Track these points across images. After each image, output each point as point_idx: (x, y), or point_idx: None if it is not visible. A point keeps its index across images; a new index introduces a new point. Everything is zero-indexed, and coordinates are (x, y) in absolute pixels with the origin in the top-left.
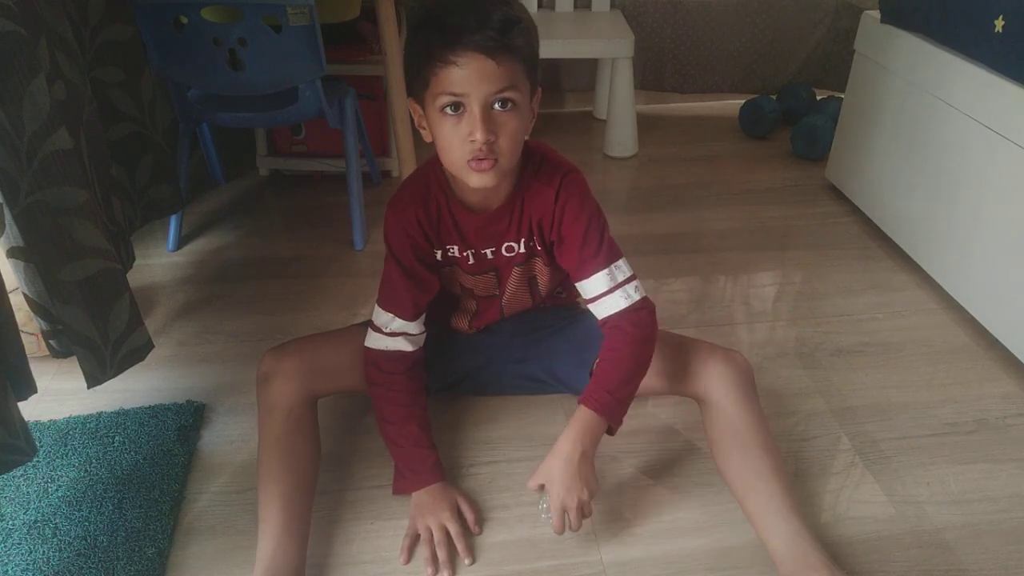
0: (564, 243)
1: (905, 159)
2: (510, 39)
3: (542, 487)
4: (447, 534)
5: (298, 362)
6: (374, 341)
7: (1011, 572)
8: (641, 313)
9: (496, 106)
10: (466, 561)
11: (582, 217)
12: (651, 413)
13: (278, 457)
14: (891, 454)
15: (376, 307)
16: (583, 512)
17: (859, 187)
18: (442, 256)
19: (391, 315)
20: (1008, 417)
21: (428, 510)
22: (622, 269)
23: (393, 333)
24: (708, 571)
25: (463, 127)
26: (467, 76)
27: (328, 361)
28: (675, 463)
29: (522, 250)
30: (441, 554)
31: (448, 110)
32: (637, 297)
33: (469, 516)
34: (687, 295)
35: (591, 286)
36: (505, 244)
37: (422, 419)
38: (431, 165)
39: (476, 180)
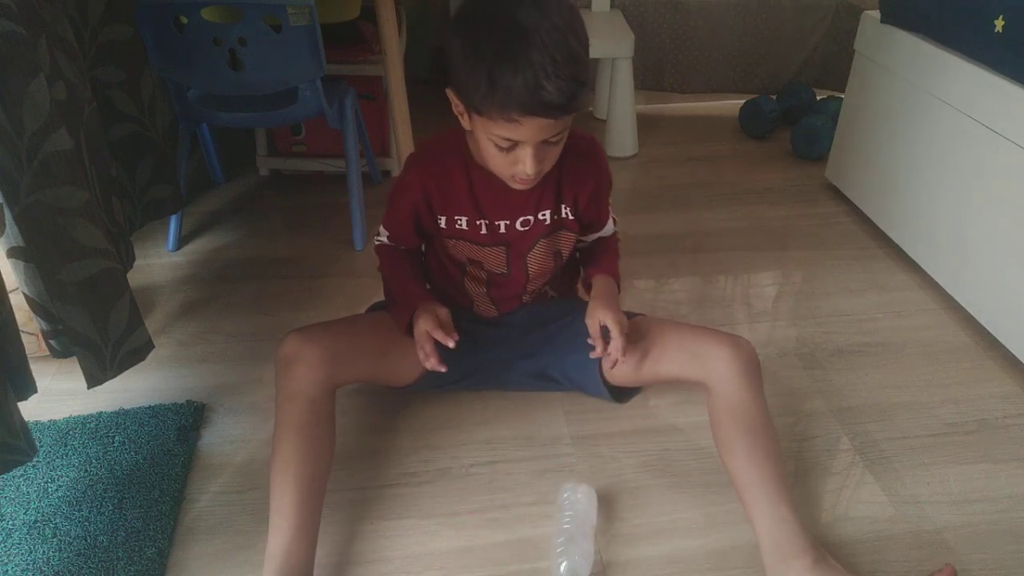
0: (598, 205)
1: (905, 159)
2: (573, 105)
3: (603, 328)
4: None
5: (323, 350)
6: (382, 237)
7: (1011, 572)
8: (616, 232)
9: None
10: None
11: (608, 183)
12: (651, 412)
13: (297, 446)
14: (891, 454)
15: (381, 223)
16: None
17: (859, 187)
18: (447, 224)
19: (388, 233)
20: (1008, 417)
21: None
22: (612, 211)
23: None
24: (708, 571)
25: (513, 155)
26: (526, 131)
27: (352, 349)
28: (674, 463)
29: (547, 222)
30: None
31: (500, 144)
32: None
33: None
34: (687, 295)
35: (603, 231)
36: (521, 218)
37: (422, 278)
38: (458, 135)
39: (519, 187)
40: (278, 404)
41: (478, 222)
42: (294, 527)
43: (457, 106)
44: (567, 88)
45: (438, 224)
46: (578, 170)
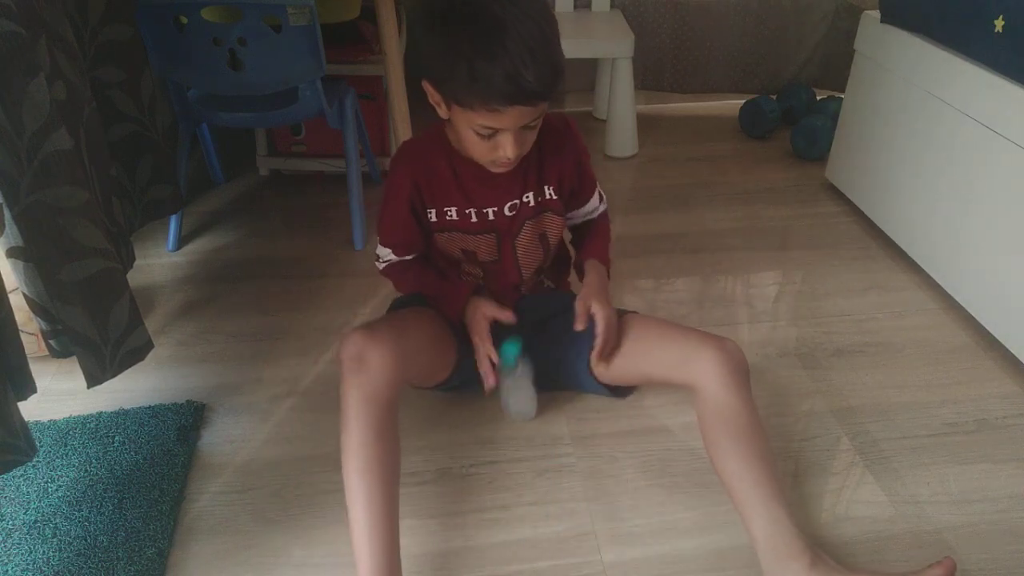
0: (581, 175)
1: (905, 159)
2: (551, 91)
3: (590, 314)
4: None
5: (392, 350)
6: (385, 259)
7: (1011, 572)
8: (607, 211)
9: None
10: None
11: (589, 163)
12: (651, 412)
13: (385, 450)
14: (891, 454)
15: (379, 243)
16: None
17: (859, 187)
18: (438, 217)
19: (388, 250)
20: (1008, 417)
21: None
22: (599, 186)
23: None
24: (707, 571)
25: (493, 141)
26: (507, 119)
27: (414, 348)
28: (674, 463)
29: (531, 203)
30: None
31: (481, 133)
32: (605, 202)
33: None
34: (687, 295)
35: (590, 206)
36: (508, 203)
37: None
38: (437, 130)
39: (500, 171)
40: (353, 407)
41: (467, 211)
42: (391, 539)
43: (434, 96)
44: (545, 75)
45: (428, 218)
46: (556, 145)
